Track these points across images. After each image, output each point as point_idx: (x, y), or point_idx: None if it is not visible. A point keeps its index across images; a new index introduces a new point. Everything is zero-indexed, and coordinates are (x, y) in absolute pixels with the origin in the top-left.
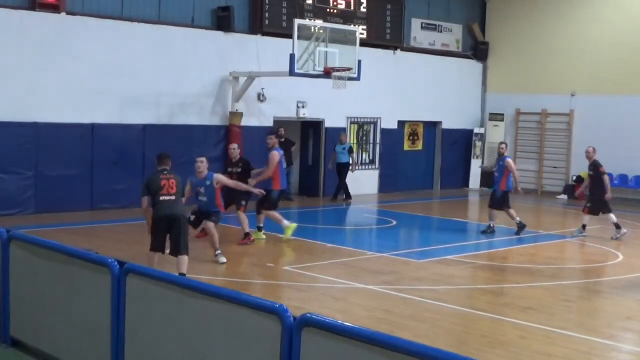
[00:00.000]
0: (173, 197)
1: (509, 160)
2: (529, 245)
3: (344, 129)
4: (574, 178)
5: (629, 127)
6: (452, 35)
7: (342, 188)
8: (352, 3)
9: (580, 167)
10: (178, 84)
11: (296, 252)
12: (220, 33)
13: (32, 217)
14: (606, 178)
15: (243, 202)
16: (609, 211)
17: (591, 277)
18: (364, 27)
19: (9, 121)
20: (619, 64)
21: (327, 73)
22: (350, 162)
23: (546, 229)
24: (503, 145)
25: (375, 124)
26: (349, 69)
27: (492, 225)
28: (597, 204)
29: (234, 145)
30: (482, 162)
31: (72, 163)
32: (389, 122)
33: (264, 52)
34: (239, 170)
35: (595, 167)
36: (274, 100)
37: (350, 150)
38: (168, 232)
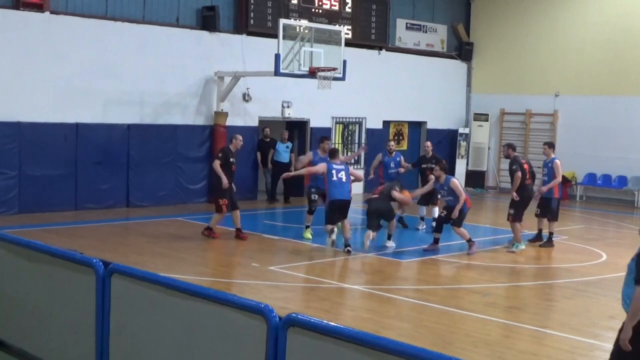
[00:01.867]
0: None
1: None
2: None
3: (329, 129)
4: None
5: (612, 128)
6: (437, 35)
7: (272, 188)
8: (337, 3)
9: (565, 167)
10: (163, 83)
11: (281, 252)
12: (205, 33)
13: (16, 217)
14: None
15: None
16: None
17: (575, 276)
18: (349, 27)
19: None
20: (603, 64)
21: (312, 73)
22: (291, 161)
23: (530, 229)
24: (392, 144)
25: (360, 124)
26: (334, 69)
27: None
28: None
29: (241, 137)
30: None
31: (56, 163)
32: (374, 122)
33: (249, 52)
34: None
35: (437, 161)
36: (259, 100)
37: (292, 150)
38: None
